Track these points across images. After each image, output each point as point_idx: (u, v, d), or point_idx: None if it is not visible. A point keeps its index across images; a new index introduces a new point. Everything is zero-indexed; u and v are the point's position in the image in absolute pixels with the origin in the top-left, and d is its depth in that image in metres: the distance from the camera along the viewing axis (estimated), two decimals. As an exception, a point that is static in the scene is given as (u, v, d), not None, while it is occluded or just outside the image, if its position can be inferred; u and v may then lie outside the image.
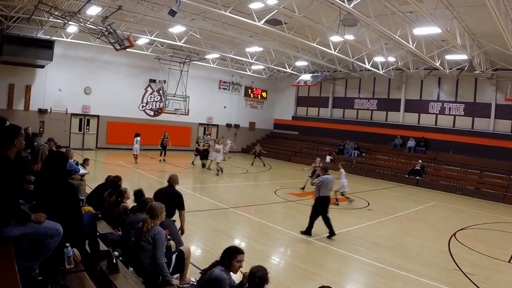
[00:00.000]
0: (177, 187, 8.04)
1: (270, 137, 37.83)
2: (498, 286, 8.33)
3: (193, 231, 10.16)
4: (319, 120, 34.71)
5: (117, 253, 4.96)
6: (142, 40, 24.19)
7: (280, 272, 8.05)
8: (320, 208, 10.69)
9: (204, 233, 10.53)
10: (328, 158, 28.78)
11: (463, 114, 26.47)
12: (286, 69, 30.90)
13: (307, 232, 10.67)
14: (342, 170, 15.88)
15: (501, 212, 18.04)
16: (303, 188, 18.01)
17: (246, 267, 4.35)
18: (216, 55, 28.16)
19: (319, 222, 10.61)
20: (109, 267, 4.61)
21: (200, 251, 8.81)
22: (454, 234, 12.46)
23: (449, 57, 21.54)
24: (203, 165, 22.44)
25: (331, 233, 10.59)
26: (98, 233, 5.67)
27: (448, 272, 8.89)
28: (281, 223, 11.47)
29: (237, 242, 9.54)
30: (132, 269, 5.07)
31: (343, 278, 8.06)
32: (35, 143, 13.60)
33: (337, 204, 14.76)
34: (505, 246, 11.88)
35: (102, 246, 5.15)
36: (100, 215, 7.01)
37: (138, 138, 22.66)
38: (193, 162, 23.22)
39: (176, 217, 7.77)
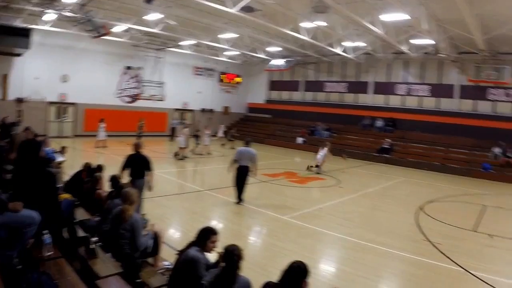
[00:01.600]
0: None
1: (244, 121, 37.68)
2: (464, 253, 8.56)
3: (170, 214, 10.11)
4: (292, 103, 34.71)
5: (95, 239, 4.86)
6: (119, 28, 23.55)
7: (256, 251, 8.09)
8: (239, 177, 11.15)
9: (181, 216, 10.45)
10: (300, 140, 29.00)
11: (429, 95, 26.93)
12: (260, 54, 30.67)
13: (239, 200, 11.26)
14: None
15: (465, 185, 18.52)
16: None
17: (222, 247, 4.33)
18: (191, 42, 27.74)
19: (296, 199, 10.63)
20: (88, 253, 4.53)
21: (177, 233, 8.78)
22: (421, 207, 12.73)
23: (415, 41, 21.82)
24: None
25: (239, 199, 11.28)
26: (76, 220, 5.57)
27: (417, 243, 9.12)
28: (255, 203, 11.43)
29: (214, 223, 9.46)
30: (110, 254, 4.98)
31: (318, 254, 8.14)
32: (13, 132, 13.23)
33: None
34: (469, 216, 12.21)
35: (81, 233, 5.06)
36: (77, 202, 6.88)
37: (102, 124, 22.36)
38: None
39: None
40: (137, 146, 8.98)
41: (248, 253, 7.48)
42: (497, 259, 8.58)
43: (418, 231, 10.07)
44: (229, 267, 3.80)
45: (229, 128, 28.20)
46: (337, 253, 8.48)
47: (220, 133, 28.95)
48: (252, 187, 13.55)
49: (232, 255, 3.82)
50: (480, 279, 7.12)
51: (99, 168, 8.58)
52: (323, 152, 18.78)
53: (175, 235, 8.52)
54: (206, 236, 4.43)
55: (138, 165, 8.72)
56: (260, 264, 6.87)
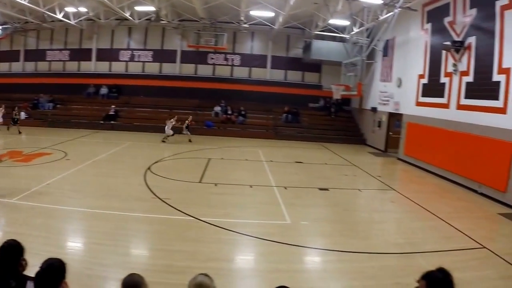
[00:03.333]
0: None
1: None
2: (192, 203, 9.67)
3: None
4: (11, 76, 29.81)
5: None
6: None
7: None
8: None
9: None
10: (22, 115, 25.49)
11: (152, 60, 28.02)
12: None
13: None
14: None
15: (191, 143, 20.27)
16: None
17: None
18: None
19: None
20: None
21: None
22: (149, 168, 13.49)
23: (139, 8, 22.17)
24: None
25: None
26: None
27: (146, 202, 9.74)
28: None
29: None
30: None
31: (50, 231, 7.39)
32: None
33: None
34: (195, 170, 13.79)
35: None
36: None
37: None
38: None
39: None
40: None
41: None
42: (223, 204, 10.06)
43: (147, 191, 10.73)
44: None
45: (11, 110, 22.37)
46: (71, 227, 8.09)
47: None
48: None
49: None
50: (209, 223, 8.25)
51: None
52: (169, 124, 20.45)
53: None
54: None
55: None
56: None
